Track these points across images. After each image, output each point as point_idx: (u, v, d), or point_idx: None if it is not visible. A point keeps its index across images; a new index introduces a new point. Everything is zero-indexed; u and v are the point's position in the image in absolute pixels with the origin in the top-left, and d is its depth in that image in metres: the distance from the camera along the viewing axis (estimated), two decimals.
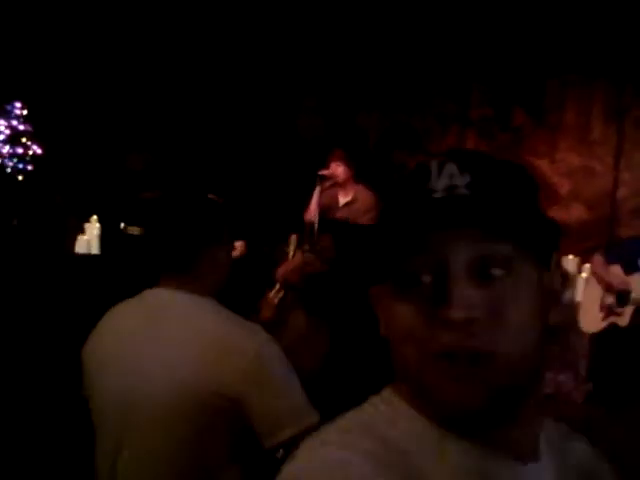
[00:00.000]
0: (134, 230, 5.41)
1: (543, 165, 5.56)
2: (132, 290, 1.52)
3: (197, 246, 1.42)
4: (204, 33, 5.79)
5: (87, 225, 5.49)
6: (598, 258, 4.18)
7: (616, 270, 4.07)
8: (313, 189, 4.52)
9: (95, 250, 5.36)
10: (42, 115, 5.51)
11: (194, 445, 1.29)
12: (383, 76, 6.05)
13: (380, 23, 5.64)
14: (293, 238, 4.19)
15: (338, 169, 4.45)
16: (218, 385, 1.28)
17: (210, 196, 1.74)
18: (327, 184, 4.52)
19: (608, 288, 3.97)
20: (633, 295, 3.91)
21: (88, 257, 5.17)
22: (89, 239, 5.42)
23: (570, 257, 4.71)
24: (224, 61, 5.98)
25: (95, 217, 5.46)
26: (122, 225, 5.23)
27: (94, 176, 5.54)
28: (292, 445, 1.29)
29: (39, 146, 5.48)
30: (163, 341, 1.34)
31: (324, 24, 5.72)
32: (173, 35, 5.72)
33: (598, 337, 4.03)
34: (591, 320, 4.08)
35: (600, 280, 4.05)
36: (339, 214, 4.54)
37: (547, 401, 2.79)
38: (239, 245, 5.44)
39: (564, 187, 5.44)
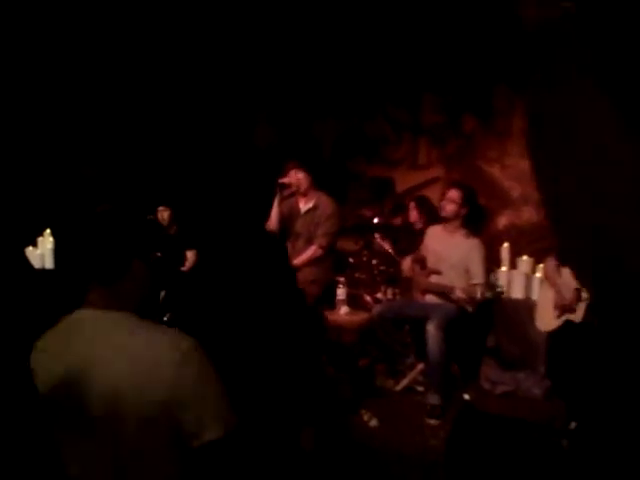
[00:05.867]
0: None
1: (494, 170, 5.70)
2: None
3: (120, 260, 1.50)
4: (158, 44, 5.74)
5: (40, 239, 5.37)
6: (550, 261, 4.32)
7: (568, 271, 4.20)
8: (273, 198, 4.51)
9: (49, 264, 5.24)
10: None
11: (140, 444, 1.40)
12: (336, 84, 6.11)
13: (332, 32, 5.70)
14: None
15: (297, 176, 4.46)
16: (149, 395, 1.38)
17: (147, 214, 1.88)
18: (286, 192, 4.52)
19: (559, 292, 4.11)
20: (584, 293, 4.04)
21: (42, 272, 5.05)
22: (42, 253, 5.31)
23: (524, 258, 4.84)
24: (179, 72, 5.94)
25: (48, 231, 5.35)
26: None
27: (46, 189, 5.41)
28: (217, 445, 1.41)
29: None
30: (95, 360, 1.43)
31: (279, 34, 5.74)
32: (127, 46, 5.64)
33: (554, 334, 4.15)
34: (547, 318, 4.19)
35: (553, 283, 4.18)
36: (300, 221, 4.54)
37: (507, 399, 2.84)
38: (190, 255, 5.43)
39: (515, 191, 5.57)
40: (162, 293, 4.49)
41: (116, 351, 1.43)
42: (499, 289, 4.22)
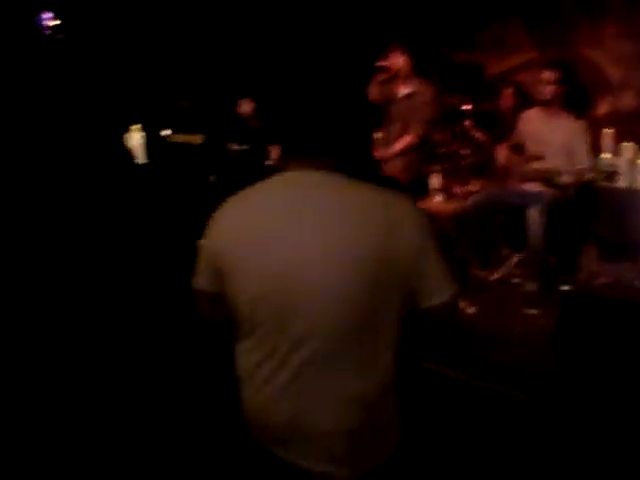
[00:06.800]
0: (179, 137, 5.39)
1: (593, 54, 5.37)
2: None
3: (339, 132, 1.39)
4: None
5: (129, 134, 5.43)
6: None
7: None
8: (369, 81, 4.36)
9: (141, 159, 5.33)
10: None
11: (371, 314, 1.31)
12: None
13: None
14: None
15: (398, 60, 4.28)
16: (391, 255, 1.28)
17: None
18: (384, 76, 4.36)
19: None
20: None
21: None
22: (132, 148, 5.38)
23: (625, 144, 4.61)
24: None
25: (138, 126, 5.40)
26: (166, 132, 5.19)
27: (135, 84, 5.43)
28: (443, 308, 1.36)
29: None
30: (329, 216, 1.31)
31: None
32: None
33: None
34: None
35: None
36: (397, 107, 4.41)
37: (606, 289, 2.74)
38: (275, 150, 5.39)
39: (615, 75, 5.27)
40: None
41: (347, 205, 1.31)
42: (605, 175, 4.07)
